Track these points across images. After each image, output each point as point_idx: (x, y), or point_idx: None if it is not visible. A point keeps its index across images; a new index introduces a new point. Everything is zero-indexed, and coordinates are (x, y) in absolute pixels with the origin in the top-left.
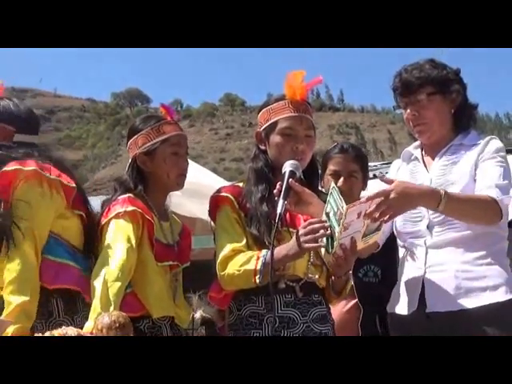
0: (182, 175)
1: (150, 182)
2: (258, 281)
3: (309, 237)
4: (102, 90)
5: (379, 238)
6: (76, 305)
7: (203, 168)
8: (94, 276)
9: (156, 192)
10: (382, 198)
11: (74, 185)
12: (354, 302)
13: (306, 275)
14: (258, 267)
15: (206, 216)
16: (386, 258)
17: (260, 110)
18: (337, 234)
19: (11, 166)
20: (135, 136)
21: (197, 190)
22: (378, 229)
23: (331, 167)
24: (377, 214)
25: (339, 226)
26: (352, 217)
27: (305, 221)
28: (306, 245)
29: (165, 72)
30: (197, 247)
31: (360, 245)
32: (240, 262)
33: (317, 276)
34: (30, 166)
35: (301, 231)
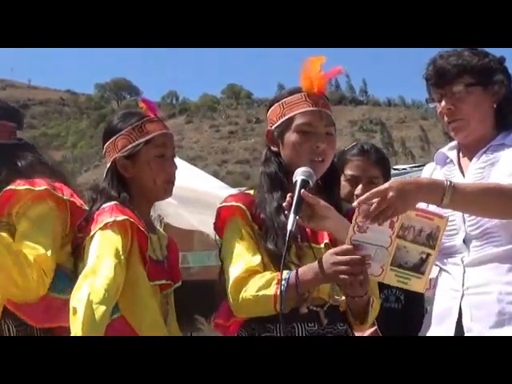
0: (170, 181)
1: (132, 189)
2: (279, 308)
3: (344, 268)
4: (84, 80)
5: (422, 286)
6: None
7: (202, 172)
8: (76, 296)
9: (140, 201)
10: (379, 198)
11: (86, 207)
12: (372, 330)
13: (332, 297)
14: (279, 293)
15: (206, 228)
16: None
17: (271, 105)
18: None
19: (21, 186)
20: (114, 137)
21: (195, 197)
22: (419, 270)
23: (348, 171)
24: (374, 214)
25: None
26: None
27: (329, 234)
28: (342, 276)
29: (157, 59)
30: (195, 265)
31: (389, 277)
32: (257, 285)
33: (343, 297)
34: (41, 185)
35: (336, 258)
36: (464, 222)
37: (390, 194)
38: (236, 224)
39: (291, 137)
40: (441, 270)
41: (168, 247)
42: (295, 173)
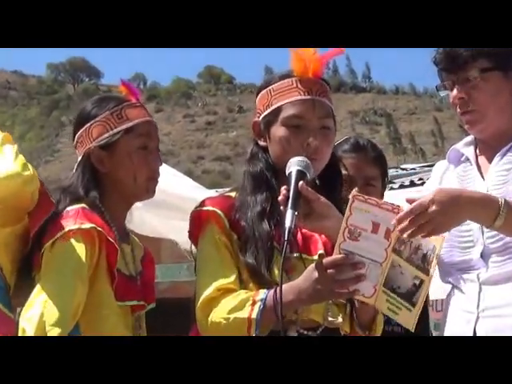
0: (153, 178)
1: (107, 187)
2: (254, 334)
3: (332, 286)
4: (35, 60)
5: (412, 322)
6: None
7: (173, 170)
8: (26, 315)
9: (116, 202)
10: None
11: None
12: None
13: (326, 319)
14: (254, 315)
15: (176, 236)
16: None
17: (258, 92)
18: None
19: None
20: (88, 124)
21: (164, 200)
22: (411, 299)
23: (344, 171)
24: (410, 231)
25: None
26: (361, 218)
27: (324, 244)
28: (336, 290)
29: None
30: (164, 280)
31: (380, 300)
32: (229, 306)
33: (340, 319)
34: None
35: (322, 274)
36: (482, 234)
37: (433, 207)
38: (211, 233)
39: (278, 131)
40: (453, 287)
41: (143, 261)
42: (289, 163)
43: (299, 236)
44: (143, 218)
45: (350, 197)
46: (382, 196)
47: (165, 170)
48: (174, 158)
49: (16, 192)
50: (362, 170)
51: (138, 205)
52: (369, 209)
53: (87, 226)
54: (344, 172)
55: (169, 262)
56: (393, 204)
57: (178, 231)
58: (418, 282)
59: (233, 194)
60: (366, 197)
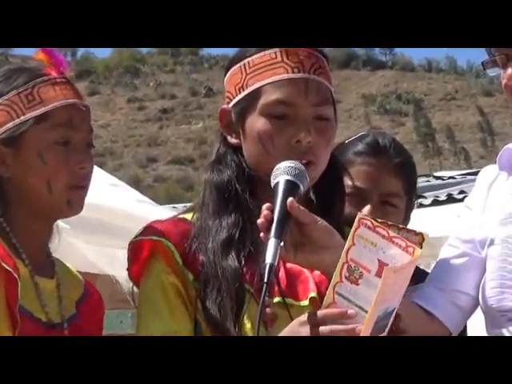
0: (78, 186)
1: (13, 197)
2: None
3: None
4: None
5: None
6: None
7: (112, 177)
8: None
9: (26, 218)
10: None
11: None
12: None
13: None
14: None
15: (116, 271)
16: None
17: (228, 68)
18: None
19: None
20: None
21: (99, 221)
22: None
23: (349, 182)
24: None
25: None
26: (365, 253)
27: (317, 283)
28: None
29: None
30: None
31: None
32: None
33: None
34: None
35: (315, 329)
36: None
37: None
38: (155, 272)
39: (256, 123)
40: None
41: (81, 304)
42: (275, 170)
43: (282, 273)
44: (72, 245)
45: (356, 221)
46: (406, 219)
47: (100, 178)
48: (115, 159)
49: None
50: (378, 181)
51: (63, 226)
52: (376, 241)
53: None
54: (355, 183)
55: (107, 307)
56: (413, 232)
57: (119, 264)
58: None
59: (188, 216)
60: (376, 223)
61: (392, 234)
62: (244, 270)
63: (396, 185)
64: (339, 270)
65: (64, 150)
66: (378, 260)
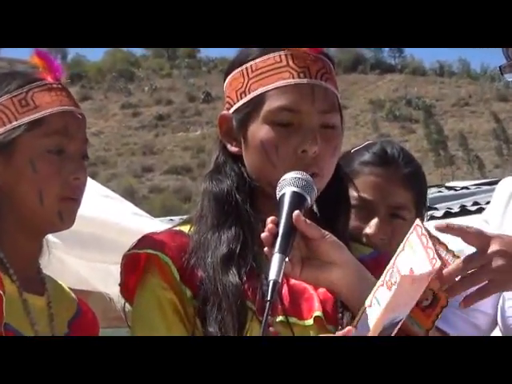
0: (71, 199)
1: (2, 209)
2: None
3: None
4: None
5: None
6: None
7: (105, 188)
8: None
9: (15, 230)
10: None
11: None
12: None
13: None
14: None
15: (109, 288)
16: None
17: (229, 72)
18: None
19: None
20: None
21: (91, 235)
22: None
23: (355, 193)
24: (466, 289)
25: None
26: (405, 261)
27: (322, 301)
28: None
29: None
30: None
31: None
32: None
33: None
34: None
35: None
36: None
37: (499, 261)
38: (151, 287)
39: (259, 131)
40: None
41: (73, 323)
42: (281, 181)
43: (285, 290)
44: (63, 262)
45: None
46: None
47: (92, 189)
48: (108, 168)
49: None
50: (386, 193)
51: (53, 240)
52: (416, 248)
53: None
54: (362, 194)
55: (100, 326)
56: (451, 252)
57: (111, 280)
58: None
59: (185, 229)
60: (425, 231)
61: (429, 243)
62: (245, 286)
63: (405, 196)
64: (384, 273)
65: (57, 159)
66: (410, 269)
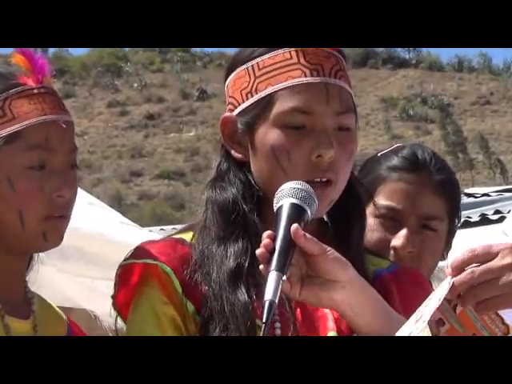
0: (57, 217)
1: None
2: None
3: None
4: None
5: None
6: None
7: (89, 195)
8: None
9: None
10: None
11: None
12: None
13: None
14: None
15: (92, 305)
16: None
17: (231, 69)
18: None
19: None
20: None
21: (73, 248)
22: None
23: (383, 201)
24: (473, 303)
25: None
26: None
27: (336, 320)
28: None
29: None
30: None
31: None
32: None
33: None
34: None
35: None
36: None
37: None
38: (148, 301)
39: (269, 135)
40: None
41: None
42: (278, 192)
43: (298, 308)
44: (40, 275)
45: (392, 250)
46: (447, 246)
47: (77, 197)
48: (93, 173)
49: None
50: (417, 201)
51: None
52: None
53: None
54: (389, 203)
55: None
56: (500, 318)
57: (96, 297)
58: None
59: (187, 237)
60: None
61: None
62: (255, 304)
63: (437, 206)
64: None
65: (39, 175)
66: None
